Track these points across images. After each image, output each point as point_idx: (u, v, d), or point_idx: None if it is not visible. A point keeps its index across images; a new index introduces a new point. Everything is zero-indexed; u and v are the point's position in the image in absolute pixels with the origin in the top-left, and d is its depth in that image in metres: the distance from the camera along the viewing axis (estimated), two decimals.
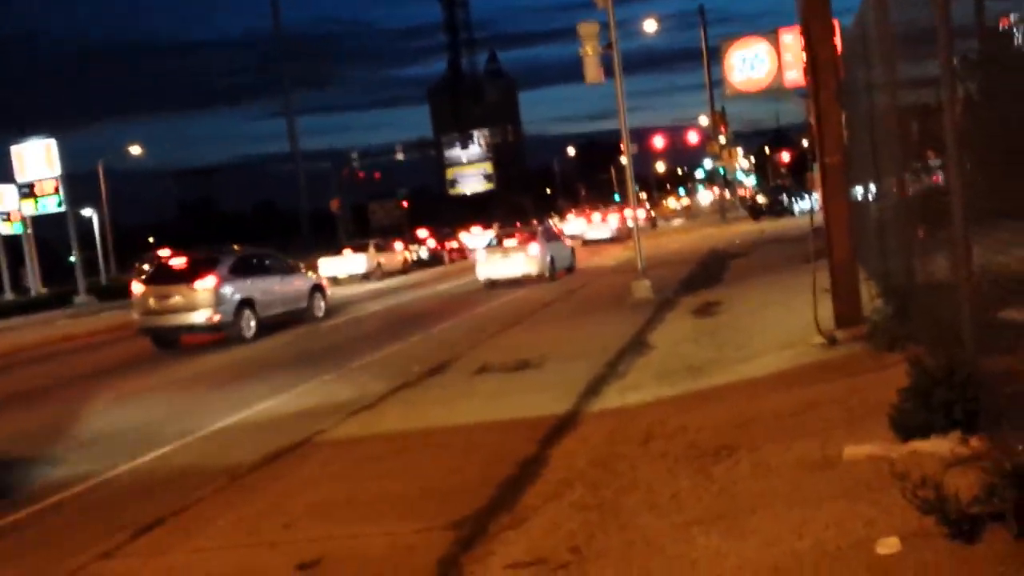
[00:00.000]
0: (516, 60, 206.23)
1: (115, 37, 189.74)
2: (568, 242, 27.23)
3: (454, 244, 42.76)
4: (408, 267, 35.34)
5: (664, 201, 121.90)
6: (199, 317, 16.08)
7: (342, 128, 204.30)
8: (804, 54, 7.55)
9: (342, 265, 32.06)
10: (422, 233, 43.98)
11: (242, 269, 17.15)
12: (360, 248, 32.61)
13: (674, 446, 5.44)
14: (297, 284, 18.81)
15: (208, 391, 11.38)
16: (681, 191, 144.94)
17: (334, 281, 32.16)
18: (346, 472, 6.39)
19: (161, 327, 16.71)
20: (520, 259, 22.77)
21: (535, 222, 36.77)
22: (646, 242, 29.00)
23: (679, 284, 16.50)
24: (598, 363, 9.37)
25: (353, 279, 32.07)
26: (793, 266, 15.12)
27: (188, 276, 16.54)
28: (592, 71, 15.44)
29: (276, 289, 17.82)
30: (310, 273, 21.52)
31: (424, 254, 39.54)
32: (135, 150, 57.68)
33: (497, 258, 23.37)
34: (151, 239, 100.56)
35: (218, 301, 16.07)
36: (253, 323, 16.73)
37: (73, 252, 42.90)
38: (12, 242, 45.48)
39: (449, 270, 35.12)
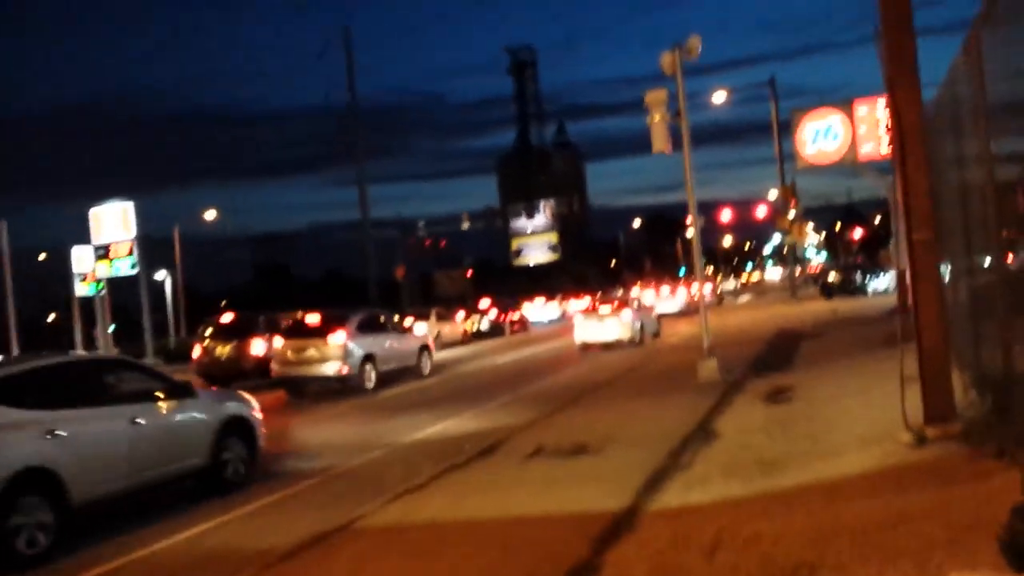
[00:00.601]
0: (584, 132, 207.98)
1: (193, 104, 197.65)
2: (655, 312, 30.23)
3: (515, 316, 42.35)
4: (468, 338, 35.04)
5: (731, 276, 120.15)
6: (330, 369, 18.42)
7: (411, 197, 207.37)
8: (888, 122, 6.96)
9: None
10: (483, 303, 43.77)
11: (366, 327, 19.55)
12: (421, 316, 32.40)
13: (746, 560, 4.78)
14: (409, 342, 21.36)
15: (376, 422, 14.15)
16: (749, 266, 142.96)
17: None
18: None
19: (294, 377, 19.11)
20: (614, 324, 25.37)
21: (627, 293, 38.09)
22: (712, 319, 28.23)
23: (747, 366, 15.69)
24: (660, 451, 8.70)
25: None
26: (871, 351, 14.25)
27: (322, 332, 18.86)
28: (659, 140, 14.99)
29: (393, 346, 20.25)
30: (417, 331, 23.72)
31: (485, 325, 39.18)
32: (210, 215, 59.28)
33: (593, 323, 25.72)
34: (223, 302, 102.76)
35: (347, 355, 18.40)
36: (374, 375, 19.09)
37: (144, 314, 43.78)
38: (88, 303, 46.61)
39: (510, 341, 34.65)
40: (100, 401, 8.47)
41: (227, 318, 23.68)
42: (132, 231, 42.86)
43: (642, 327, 26.22)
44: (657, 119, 15.08)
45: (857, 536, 4.70)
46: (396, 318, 22.78)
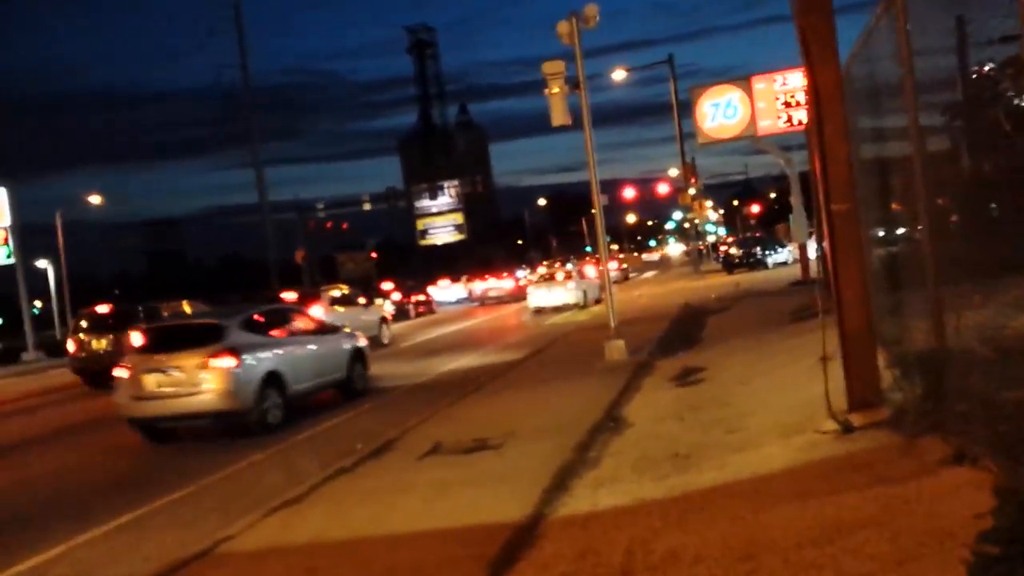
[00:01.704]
0: (487, 113, 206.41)
1: (80, 87, 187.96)
2: (597, 281, 31.32)
3: (421, 297, 41.21)
4: None
5: (636, 253, 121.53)
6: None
7: (311, 180, 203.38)
8: (803, 88, 6.33)
9: None
10: (387, 286, 42.49)
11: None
12: (313, 299, 30.99)
13: None
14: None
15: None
16: (652, 243, 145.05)
17: None
18: None
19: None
20: (562, 292, 30.01)
21: (571, 262, 40.13)
22: (618, 295, 27.95)
23: (655, 344, 15.18)
24: (567, 444, 7.98)
25: None
26: (779, 326, 13.92)
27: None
28: (558, 113, 14.26)
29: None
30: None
31: (388, 308, 37.97)
32: (95, 200, 56.10)
33: (544, 291, 30.65)
34: (116, 291, 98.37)
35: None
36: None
37: (23, 306, 41.02)
38: None
39: (413, 325, 33.59)
40: (294, 332, 13.20)
41: (103, 309, 22.01)
42: (6, 219, 40.10)
43: (585, 294, 31.24)
44: (556, 90, 14.35)
45: (790, 555, 4.03)
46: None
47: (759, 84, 24.58)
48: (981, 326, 5.03)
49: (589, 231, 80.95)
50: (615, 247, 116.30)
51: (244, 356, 11.47)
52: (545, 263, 54.63)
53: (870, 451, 5.41)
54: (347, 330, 15.06)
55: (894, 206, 7.04)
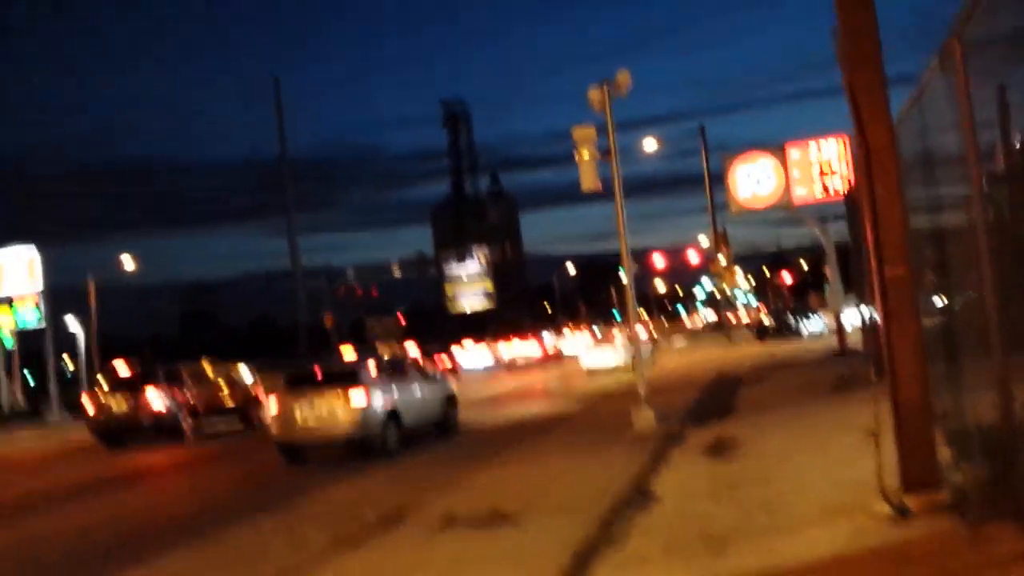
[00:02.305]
0: (519, 183, 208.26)
1: (122, 156, 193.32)
2: (649, 343, 35.34)
3: (444, 359, 40.68)
4: None
5: (666, 320, 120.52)
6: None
7: (344, 248, 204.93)
8: (847, 151, 5.92)
9: None
10: (409, 347, 42.02)
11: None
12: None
13: None
14: None
15: None
16: (681, 311, 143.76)
17: None
18: None
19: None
20: (612, 354, 31.74)
21: (620, 327, 43.51)
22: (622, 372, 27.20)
23: (686, 414, 14.54)
24: (591, 519, 7.41)
25: None
26: (819, 397, 13.27)
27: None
28: (588, 178, 13.97)
29: None
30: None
31: None
32: (128, 263, 56.75)
33: (596, 353, 33.30)
34: (146, 352, 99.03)
35: None
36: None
37: (49, 367, 41.13)
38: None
39: None
40: (406, 380, 15.86)
41: (122, 368, 21.78)
42: (38, 283, 40.37)
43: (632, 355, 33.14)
44: (586, 156, 14.12)
45: None
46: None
47: (794, 153, 24.25)
48: None
49: (619, 298, 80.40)
50: (644, 315, 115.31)
51: (373, 396, 14.37)
52: (588, 327, 54.16)
53: (930, 539, 4.82)
54: (443, 379, 18.39)
55: (947, 274, 6.54)
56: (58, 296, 42.26)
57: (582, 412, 18.87)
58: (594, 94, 14.05)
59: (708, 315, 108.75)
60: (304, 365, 18.74)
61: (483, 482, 10.54)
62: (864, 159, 5.82)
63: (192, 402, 21.24)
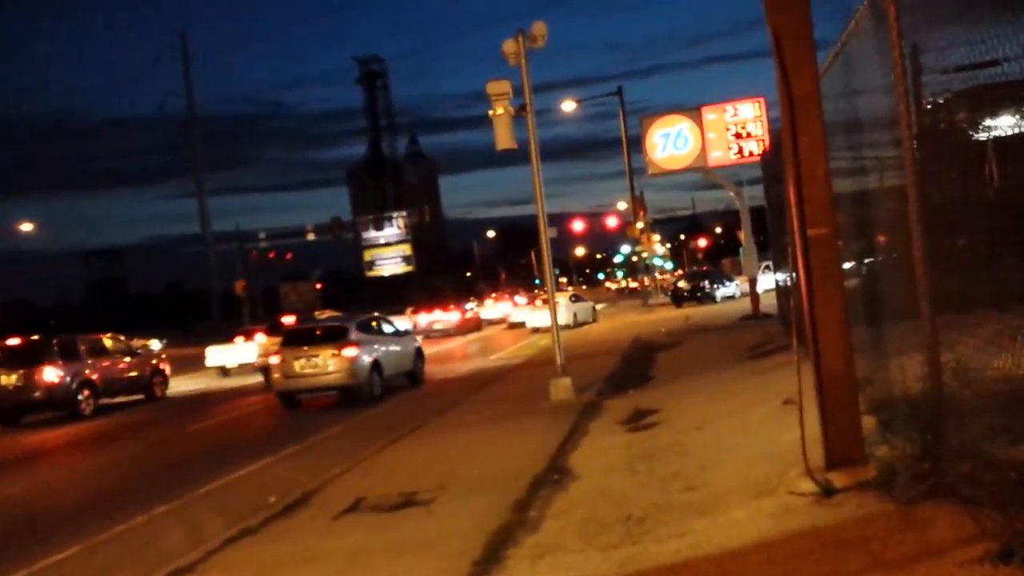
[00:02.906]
0: (438, 145, 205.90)
1: (24, 114, 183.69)
2: (591, 303, 39.51)
3: None
4: None
5: (585, 285, 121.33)
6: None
7: (259, 210, 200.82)
8: (777, 87, 5.52)
9: (232, 354, 28.98)
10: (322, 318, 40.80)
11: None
12: (251, 335, 29.57)
13: None
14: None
15: None
16: (600, 276, 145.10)
17: (222, 371, 29.12)
18: None
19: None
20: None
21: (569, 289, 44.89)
22: (566, 329, 27.16)
23: (604, 382, 14.28)
24: (504, 501, 7.00)
25: (245, 368, 28.99)
26: (735, 363, 13.15)
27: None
28: (504, 135, 13.39)
29: None
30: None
31: None
32: (27, 228, 54.00)
33: (539, 313, 34.11)
34: (52, 321, 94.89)
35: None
36: None
37: None
38: None
39: None
40: (382, 335, 18.73)
41: (13, 343, 20.47)
42: None
43: (575, 315, 36.09)
44: (500, 112, 13.48)
45: None
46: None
47: (710, 115, 24.13)
48: (990, 366, 4.24)
49: (538, 264, 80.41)
50: (564, 280, 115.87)
51: (361, 348, 17.08)
52: (509, 294, 54.07)
53: (860, 521, 4.52)
54: (412, 337, 21.12)
55: (874, 234, 6.28)
56: None
57: (509, 374, 18.52)
58: (508, 46, 13.46)
59: (626, 280, 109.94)
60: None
61: (391, 460, 10.06)
62: (787, 109, 5.44)
63: (90, 375, 20.13)
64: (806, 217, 5.46)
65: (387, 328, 19.37)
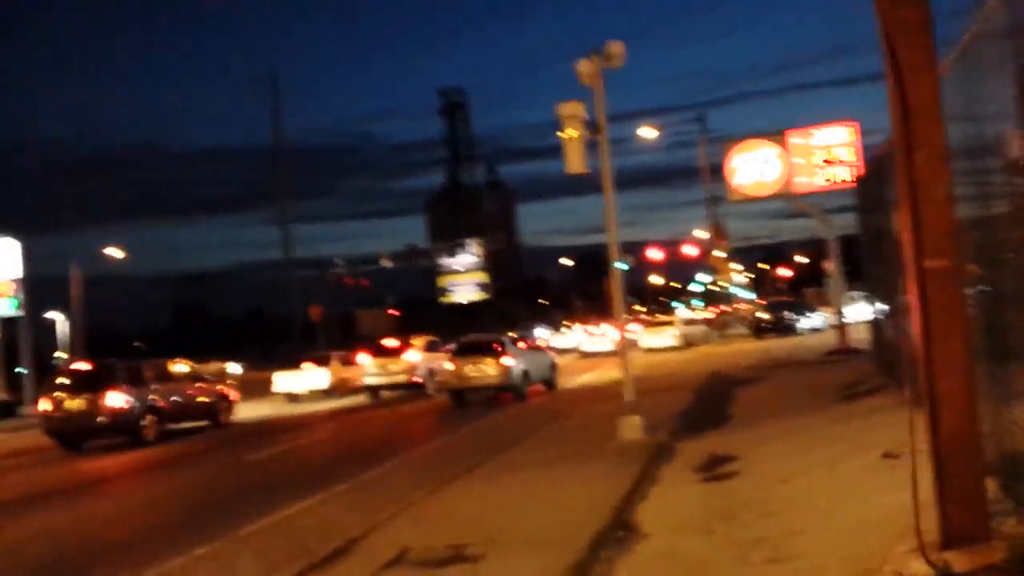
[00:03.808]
0: (515, 174, 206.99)
1: (118, 145, 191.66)
2: (702, 325, 42.45)
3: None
4: None
5: (661, 315, 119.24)
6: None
7: (340, 237, 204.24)
8: (890, 97, 4.65)
9: (301, 380, 28.80)
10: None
11: None
12: (321, 361, 29.35)
13: None
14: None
15: None
16: (677, 305, 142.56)
17: (291, 398, 28.94)
18: None
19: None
20: (669, 335, 37.21)
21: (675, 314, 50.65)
22: (640, 359, 26.34)
23: (677, 421, 13.32)
24: (561, 562, 6.18)
25: (315, 395, 28.76)
26: (823, 405, 12.04)
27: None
28: (575, 159, 12.64)
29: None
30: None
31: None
32: (117, 253, 55.40)
33: (655, 336, 37.54)
34: (137, 343, 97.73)
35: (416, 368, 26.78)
36: None
37: (23, 359, 39.85)
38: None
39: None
40: (527, 349, 24.86)
41: (80, 367, 20.52)
42: (16, 270, 39.16)
43: (685, 337, 39.81)
44: (572, 133, 12.75)
45: None
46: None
47: (796, 139, 23.03)
48: None
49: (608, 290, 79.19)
50: (640, 308, 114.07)
51: (516, 358, 22.44)
52: (583, 321, 53.05)
53: None
54: (548, 352, 27.48)
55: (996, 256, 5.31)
56: (52, 288, 41.08)
57: (575, 407, 17.68)
58: (583, 66, 12.74)
59: (704, 310, 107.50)
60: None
61: (442, 505, 9.33)
62: (900, 119, 4.57)
63: (155, 400, 20.01)
64: (922, 246, 4.56)
65: (528, 344, 26.33)
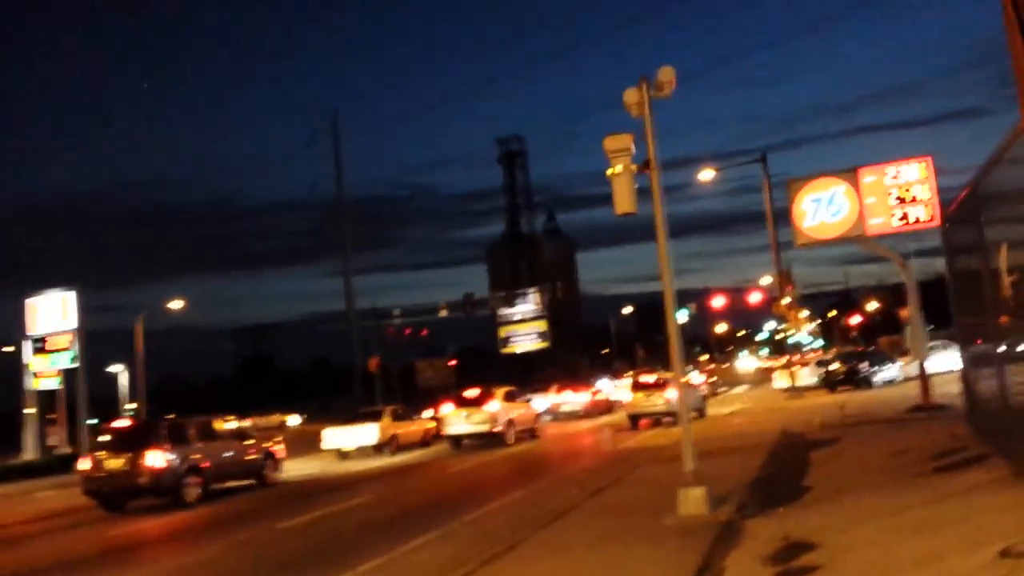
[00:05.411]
0: (575, 222, 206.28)
1: (183, 200, 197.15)
2: (702, 390, 38.14)
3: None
4: (430, 438, 30.67)
5: (726, 364, 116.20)
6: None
7: (401, 287, 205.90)
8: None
9: (350, 436, 27.87)
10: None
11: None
12: (372, 417, 28.38)
13: None
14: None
15: None
16: (744, 355, 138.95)
17: (341, 455, 28.01)
18: None
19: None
20: (661, 399, 33.17)
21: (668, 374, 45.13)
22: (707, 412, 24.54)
23: (746, 492, 11.85)
24: None
25: (363, 451, 27.78)
26: (911, 474, 10.54)
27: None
28: (623, 197, 11.46)
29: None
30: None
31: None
32: (178, 305, 55.77)
33: (642, 398, 33.86)
34: (205, 396, 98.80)
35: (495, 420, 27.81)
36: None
37: (80, 410, 39.85)
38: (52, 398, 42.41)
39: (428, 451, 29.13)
40: (690, 386, 30.33)
41: (122, 424, 19.91)
42: (72, 322, 39.38)
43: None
44: (620, 170, 11.61)
45: None
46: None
47: (867, 177, 21.37)
48: None
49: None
50: (705, 357, 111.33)
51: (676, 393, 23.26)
52: (630, 372, 51.51)
53: None
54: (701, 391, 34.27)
55: None
56: (115, 341, 41.25)
57: (631, 472, 16.28)
58: (631, 95, 11.65)
59: (769, 358, 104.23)
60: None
61: None
62: None
63: (198, 460, 19.24)
64: None
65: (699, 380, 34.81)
